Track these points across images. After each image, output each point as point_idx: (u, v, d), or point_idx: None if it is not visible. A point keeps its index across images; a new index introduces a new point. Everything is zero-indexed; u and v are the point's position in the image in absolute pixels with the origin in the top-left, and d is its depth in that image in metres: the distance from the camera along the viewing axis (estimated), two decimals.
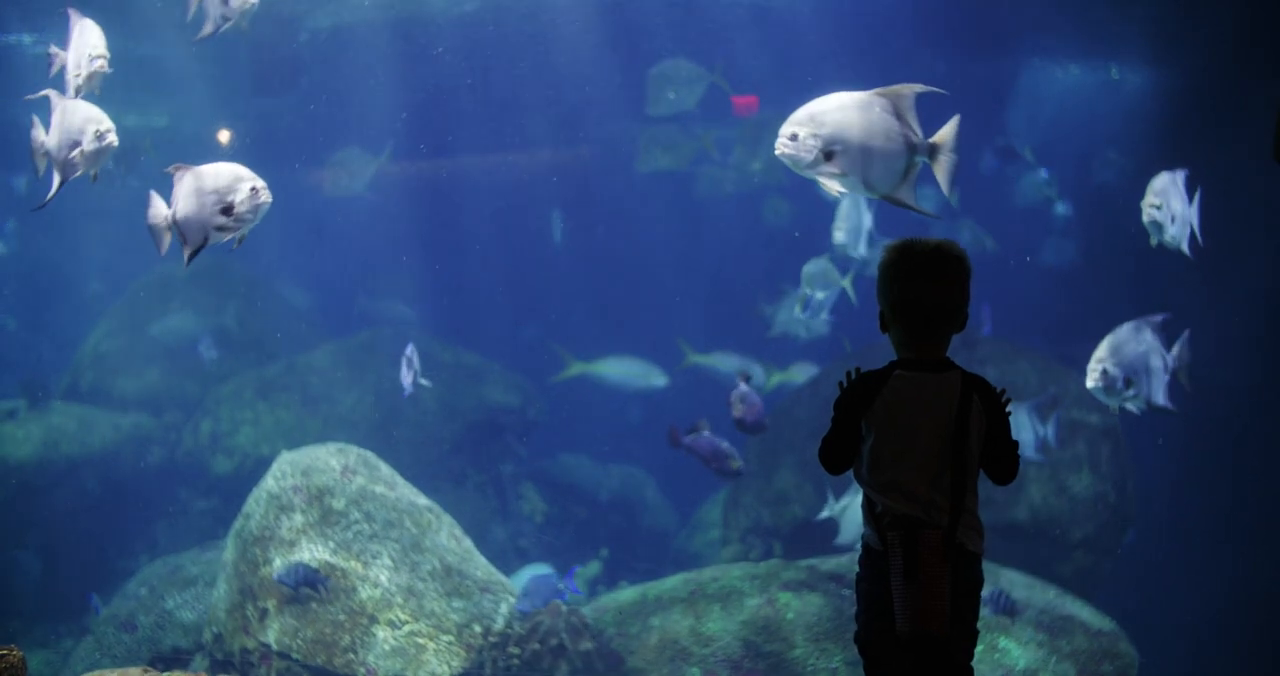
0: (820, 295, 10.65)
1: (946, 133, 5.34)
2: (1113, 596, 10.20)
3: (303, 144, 16.91)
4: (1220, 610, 11.91)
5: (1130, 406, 7.30)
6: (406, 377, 10.55)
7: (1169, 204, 7.21)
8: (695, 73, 12.54)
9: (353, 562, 8.66)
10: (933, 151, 5.33)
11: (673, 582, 9.31)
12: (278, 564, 8.58)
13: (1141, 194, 7.39)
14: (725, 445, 9.02)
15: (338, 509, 8.94)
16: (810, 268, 10.66)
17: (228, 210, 5.57)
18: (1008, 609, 8.47)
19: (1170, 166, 7.42)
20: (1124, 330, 7.28)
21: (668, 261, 18.34)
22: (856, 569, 3.96)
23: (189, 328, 15.01)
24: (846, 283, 10.72)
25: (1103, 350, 7.23)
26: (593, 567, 13.70)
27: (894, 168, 5.34)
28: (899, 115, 5.31)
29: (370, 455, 9.59)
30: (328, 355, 14.38)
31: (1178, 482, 12.36)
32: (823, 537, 10.37)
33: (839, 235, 11.23)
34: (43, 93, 6.39)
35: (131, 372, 14.55)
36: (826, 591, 8.71)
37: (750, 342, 13.41)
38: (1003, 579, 8.95)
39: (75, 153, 6.17)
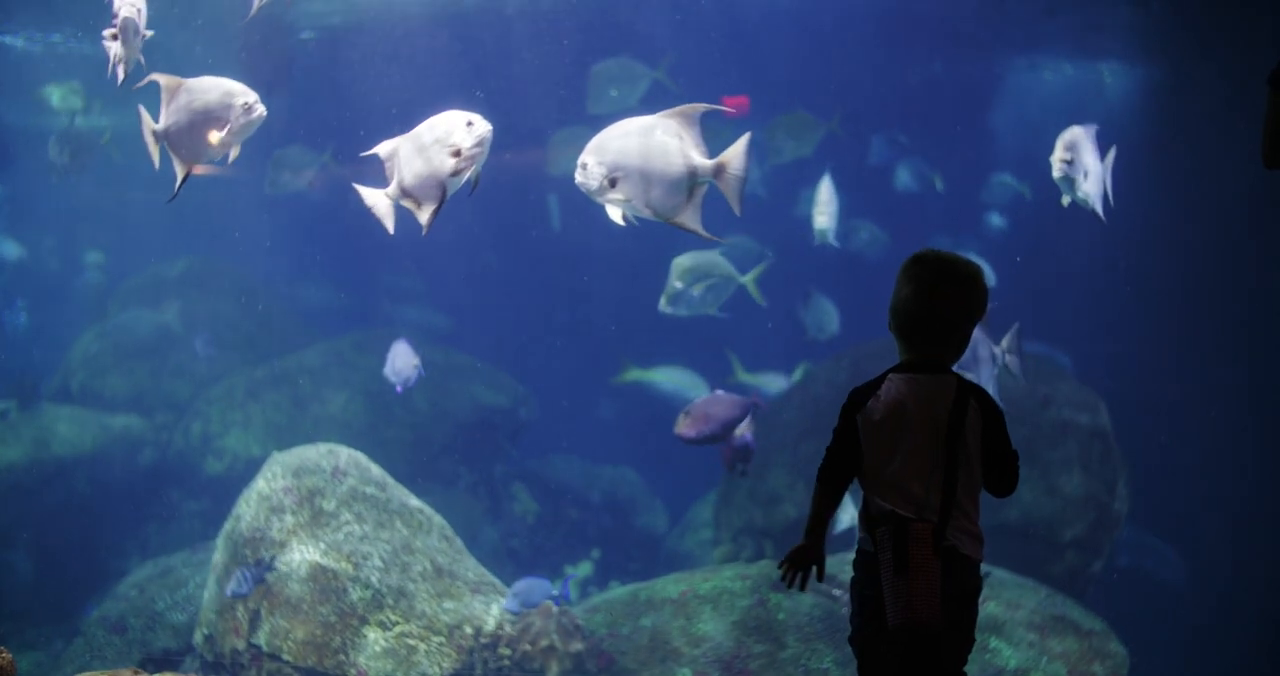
0: (696, 290, 10.22)
1: (731, 152, 5.33)
2: (1103, 596, 10.24)
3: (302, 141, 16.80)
4: (1212, 609, 11.95)
5: None
6: (407, 370, 10.44)
7: (1080, 158, 6.96)
8: (638, 70, 12.38)
9: (343, 563, 8.65)
10: (718, 172, 5.31)
11: (664, 583, 9.31)
12: (230, 584, 8.58)
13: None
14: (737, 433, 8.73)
15: (328, 510, 8.93)
16: (684, 260, 10.12)
17: (456, 153, 5.52)
18: None
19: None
20: None
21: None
22: (848, 569, 3.99)
23: (142, 325, 14.96)
24: (749, 278, 10.34)
25: None
26: (584, 568, 13.69)
27: (676, 191, 5.36)
28: (683, 136, 5.33)
29: (361, 456, 9.58)
30: (319, 355, 14.35)
31: (1171, 482, 12.41)
32: None
33: (821, 220, 11.02)
34: (150, 77, 6.08)
35: (122, 373, 14.52)
36: (818, 592, 8.72)
37: (748, 348, 13.32)
38: (993, 579, 8.97)
39: (224, 133, 5.93)
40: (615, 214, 5.49)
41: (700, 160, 5.32)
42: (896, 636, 3.69)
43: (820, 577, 3.86)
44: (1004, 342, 7.21)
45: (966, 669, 3.85)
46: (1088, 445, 10.36)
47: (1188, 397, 12.73)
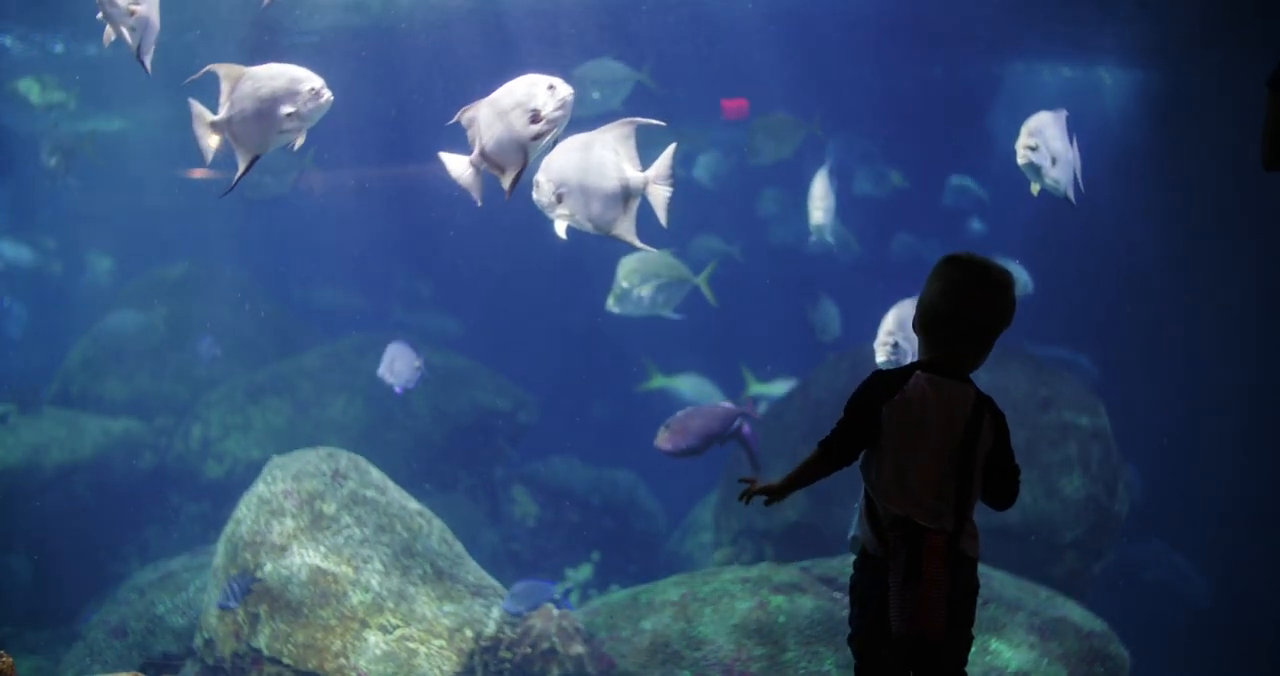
0: (644, 290, 9.98)
1: (658, 165, 5.44)
2: (1103, 597, 10.23)
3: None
4: (1212, 610, 11.95)
5: None
6: (408, 371, 10.42)
7: (1046, 144, 6.76)
8: (621, 72, 12.28)
9: (344, 567, 8.65)
10: (647, 184, 5.43)
11: (664, 585, 9.29)
12: (218, 596, 8.60)
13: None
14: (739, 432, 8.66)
15: (329, 513, 8.93)
16: (630, 260, 9.97)
17: (535, 118, 5.48)
18: None
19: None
20: (907, 305, 7.07)
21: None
22: (849, 572, 3.98)
23: (142, 329, 14.94)
24: (701, 279, 10.13)
25: (890, 323, 7.12)
26: (584, 571, 13.68)
27: (612, 204, 5.49)
28: (619, 150, 5.44)
29: (361, 459, 9.58)
30: (318, 359, 14.35)
31: (1170, 482, 12.42)
32: (814, 540, 10.36)
33: (817, 215, 10.92)
34: (208, 68, 5.88)
35: (121, 377, 14.52)
36: (818, 594, 8.71)
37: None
38: (994, 581, 8.96)
39: (289, 121, 5.79)
40: (560, 228, 5.63)
41: (633, 173, 5.45)
42: (901, 642, 3.68)
43: (767, 503, 4.05)
44: None
45: (968, 670, 3.85)
46: (1088, 447, 10.36)
47: (1188, 399, 12.74)
